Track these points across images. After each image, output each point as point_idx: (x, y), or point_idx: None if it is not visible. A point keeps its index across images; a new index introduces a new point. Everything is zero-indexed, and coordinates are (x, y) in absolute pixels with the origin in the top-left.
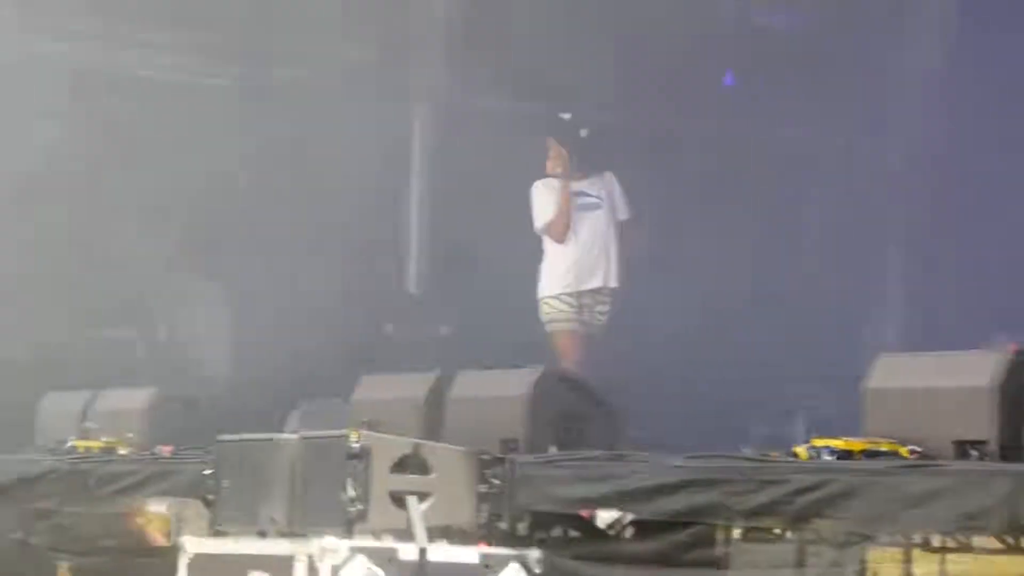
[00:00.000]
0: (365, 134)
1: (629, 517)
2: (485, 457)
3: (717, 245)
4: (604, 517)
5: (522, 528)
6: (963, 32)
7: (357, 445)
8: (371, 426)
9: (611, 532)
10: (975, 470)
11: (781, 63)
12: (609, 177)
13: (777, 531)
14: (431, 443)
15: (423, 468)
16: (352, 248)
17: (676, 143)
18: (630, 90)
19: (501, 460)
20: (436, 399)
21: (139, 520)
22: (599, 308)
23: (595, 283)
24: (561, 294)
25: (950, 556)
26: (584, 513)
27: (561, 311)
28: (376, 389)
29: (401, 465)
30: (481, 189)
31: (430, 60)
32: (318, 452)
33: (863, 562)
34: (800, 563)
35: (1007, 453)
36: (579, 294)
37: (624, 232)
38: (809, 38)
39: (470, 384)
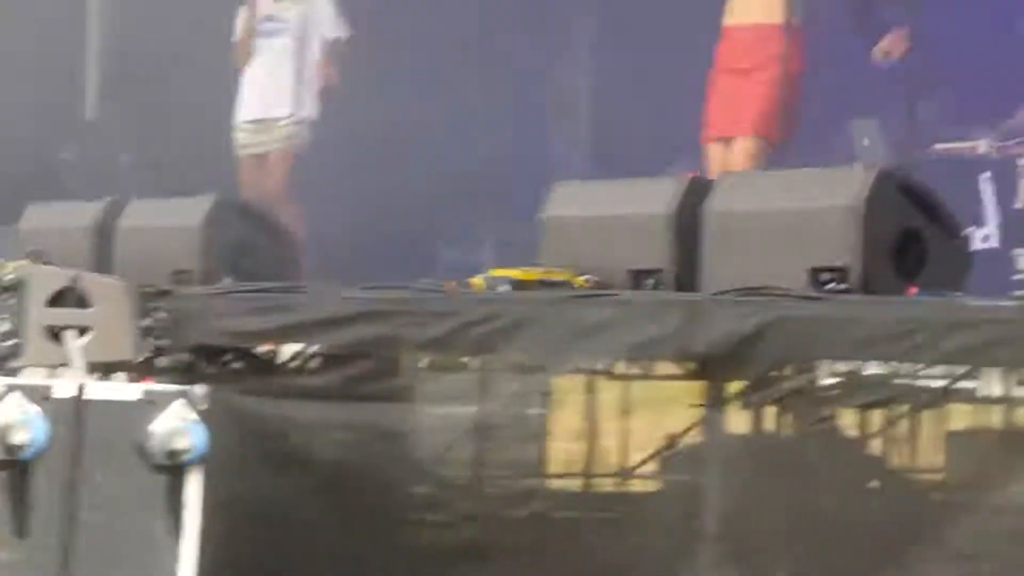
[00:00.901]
0: None
1: (312, 350)
2: (149, 290)
3: (424, 67)
4: (287, 350)
5: (190, 363)
6: None
7: (11, 277)
8: (37, 256)
9: (293, 365)
10: (646, 300)
11: None
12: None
13: (464, 360)
14: (90, 275)
15: (82, 301)
16: (27, 72)
17: None
18: None
19: (167, 293)
20: (106, 229)
21: None
22: (283, 136)
23: (279, 111)
24: (247, 122)
25: (634, 383)
26: (267, 347)
27: (245, 139)
28: (44, 218)
29: (59, 298)
30: (168, 10)
31: None
32: None
33: (548, 390)
34: (484, 393)
35: (682, 282)
36: (263, 122)
37: (330, 54)
38: None
39: (142, 213)
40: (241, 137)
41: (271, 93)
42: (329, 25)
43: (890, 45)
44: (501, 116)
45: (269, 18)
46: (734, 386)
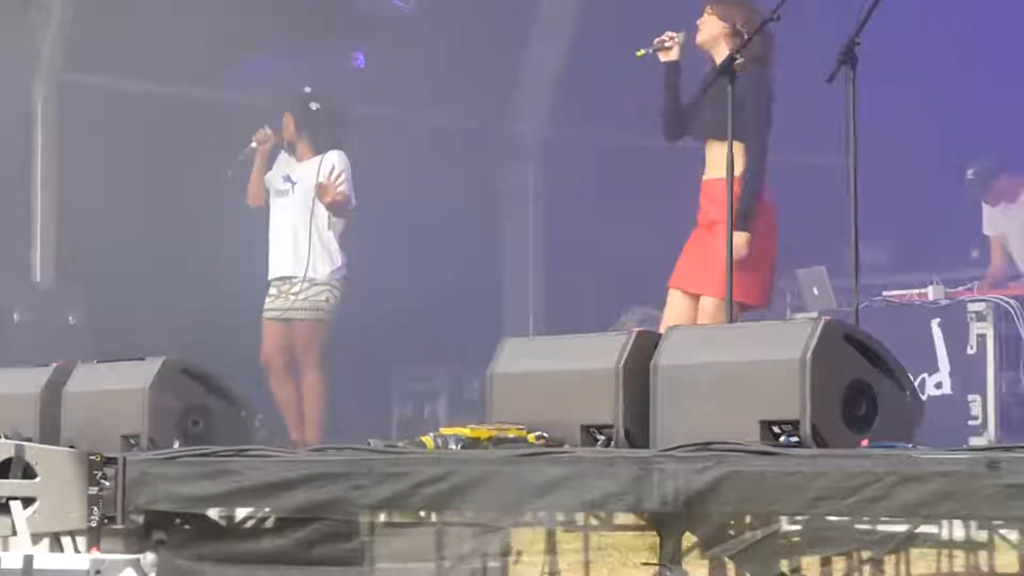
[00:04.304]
0: None
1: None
2: (94, 457)
3: (374, 228)
4: (240, 512)
5: (139, 530)
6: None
7: None
8: None
9: (246, 527)
10: (597, 457)
11: (409, 45)
12: (329, 156)
13: (423, 515)
14: (35, 445)
15: (28, 471)
16: None
17: None
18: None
19: (113, 460)
20: (54, 393)
21: None
22: (291, 296)
23: (284, 272)
24: (270, 281)
25: (593, 533)
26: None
27: (266, 299)
28: None
29: (4, 469)
30: (116, 171)
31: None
32: None
33: (508, 545)
34: (441, 551)
35: (633, 436)
36: (276, 281)
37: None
38: (438, 19)
39: (89, 377)
40: (266, 300)
41: (280, 254)
42: (336, 183)
43: None
44: (449, 271)
45: (287, 178)
46: (688, 541)
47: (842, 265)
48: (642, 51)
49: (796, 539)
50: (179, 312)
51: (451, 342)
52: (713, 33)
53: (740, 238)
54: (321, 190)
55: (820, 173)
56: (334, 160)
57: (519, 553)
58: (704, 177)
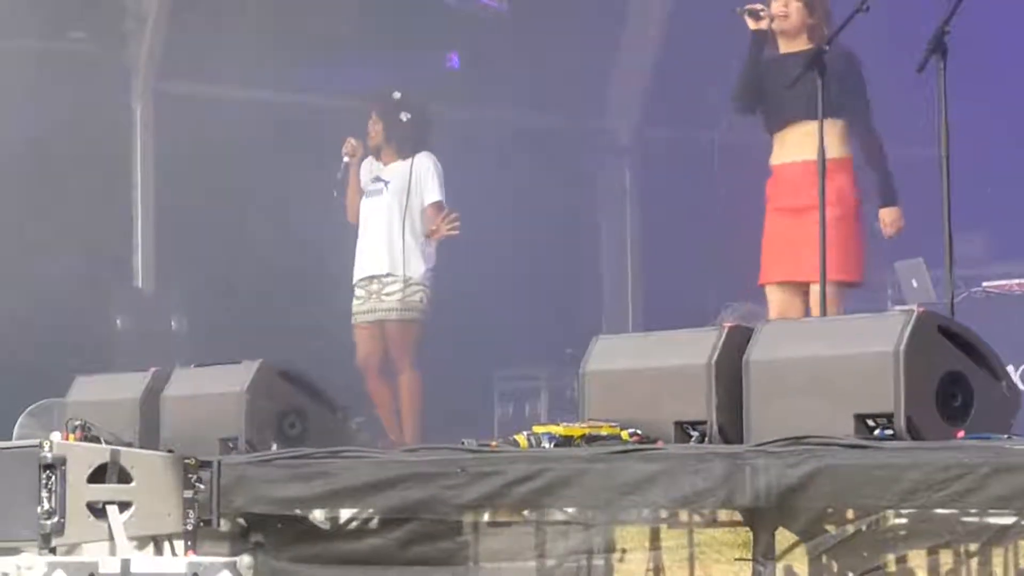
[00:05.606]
0: (89, 116)
1: (364, 514)
2: (189, 461)
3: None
4: (346, 513)
5: (236, 532)
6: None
7: (50, 455)
8: (83, 429)
9: (343, 528)
10: (688, 453)
11: (502, 45)
12: (421, 159)
13: (526, 514)
14: (130, 449)
15: (123, 476)
16: (80, 241)
17: None
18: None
19: (208, 463)
20: (153, 398)
21: None
22: (384, 297)
23: (376, 271)
24: (356, 283)
25: (697, 529)
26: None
27: (354, 303)
28: (92, 390)
29: (99, 474)
30: (214, 177)
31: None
32: (11, 463)
33: (611, 542)
34: (542, 548)
35: (726, 431)
36: (363, 282)
37: (430, 215)
38: (530, 19)
39: (187, 381)
40: (353, 300)
41: (371, 254)
42: (429, 186)
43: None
44: (551, 271)
45: (377, 179)
46: (782, 536)
47: (941, 257)
48: (740, 9)
49: (900, 532)
50: (278, 317)
51: (551, 341)
52: (799, 22)
53: (893, 212)
54: (434, 234)
55: (921, 165)
56: (429, 166)
57: (623, 551)
58: (786, 160)
